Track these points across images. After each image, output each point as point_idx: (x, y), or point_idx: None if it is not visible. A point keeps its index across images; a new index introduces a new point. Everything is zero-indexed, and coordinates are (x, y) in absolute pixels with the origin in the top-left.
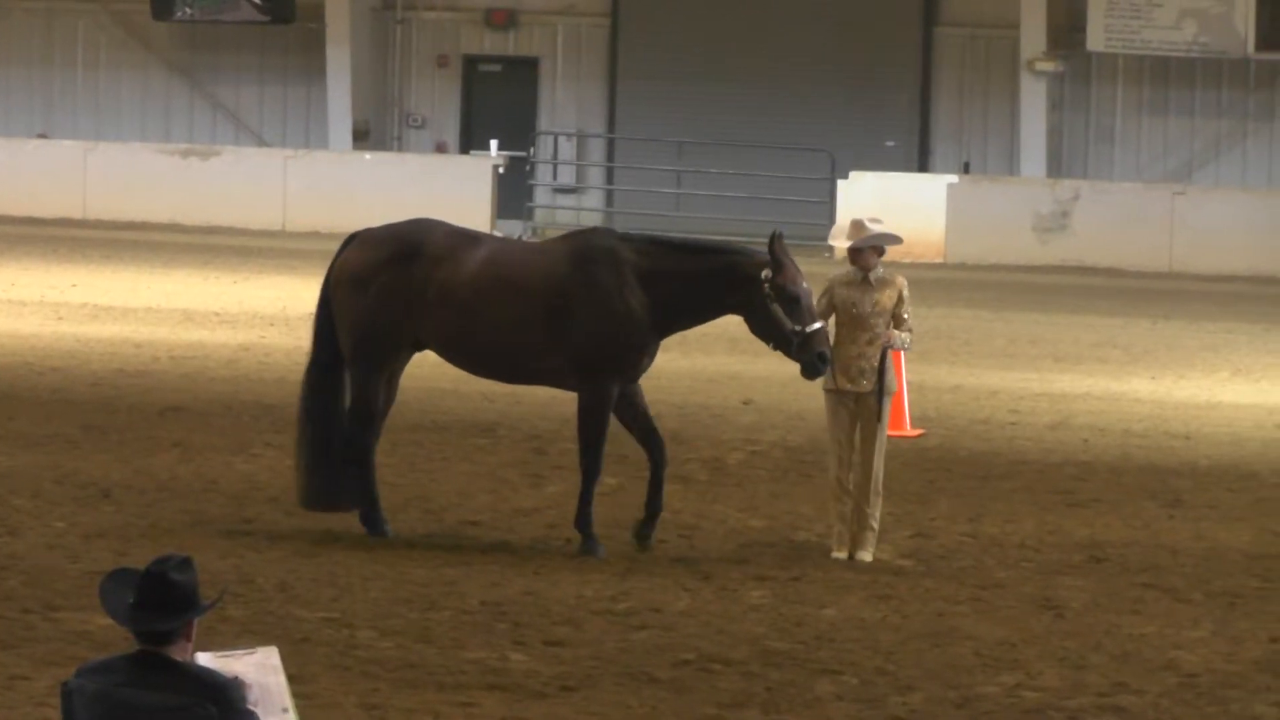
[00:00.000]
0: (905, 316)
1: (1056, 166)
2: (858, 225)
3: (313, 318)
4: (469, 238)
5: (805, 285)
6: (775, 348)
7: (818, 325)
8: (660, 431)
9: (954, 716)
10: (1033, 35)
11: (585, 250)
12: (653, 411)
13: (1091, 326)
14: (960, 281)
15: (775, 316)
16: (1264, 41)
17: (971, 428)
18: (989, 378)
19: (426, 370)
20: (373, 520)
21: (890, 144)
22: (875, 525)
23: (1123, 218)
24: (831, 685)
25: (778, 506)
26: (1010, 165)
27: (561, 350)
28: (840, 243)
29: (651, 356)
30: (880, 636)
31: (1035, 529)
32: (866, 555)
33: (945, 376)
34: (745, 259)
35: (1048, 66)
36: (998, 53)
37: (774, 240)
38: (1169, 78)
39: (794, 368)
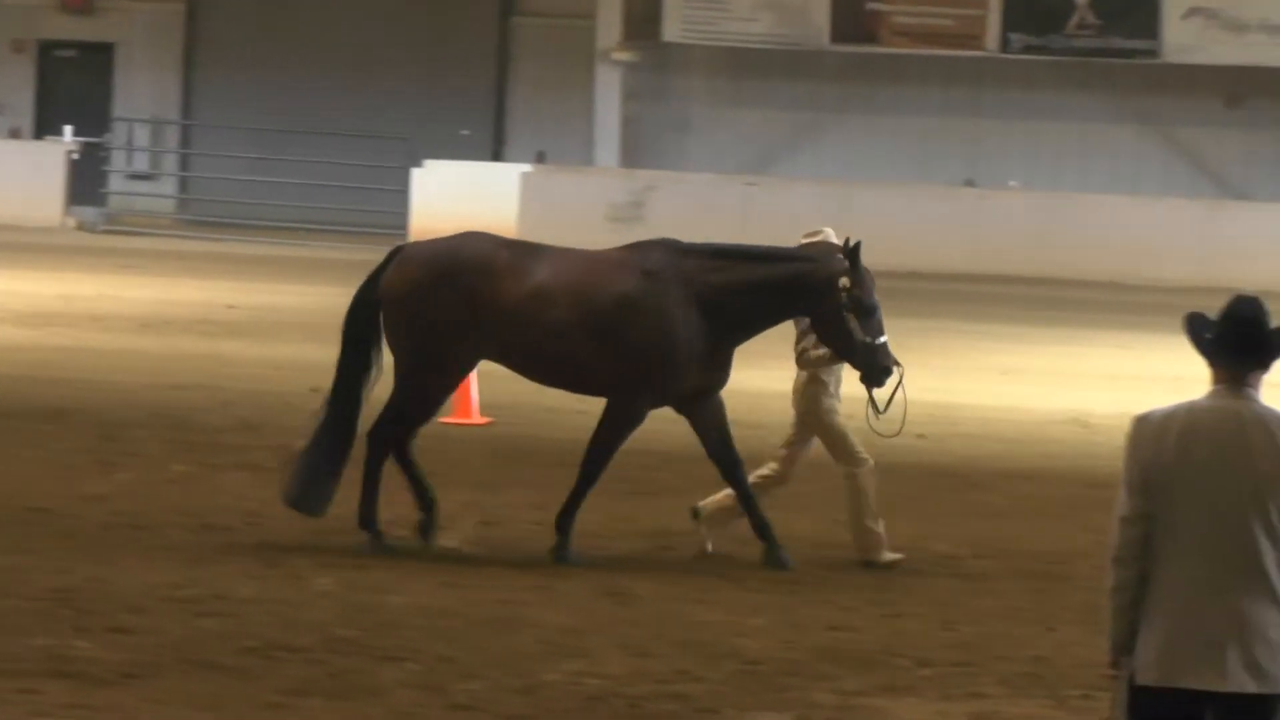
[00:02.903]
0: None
1: (631, 157)
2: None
3: (344, 325)
4: (526, 248)
5: (876, 297)
6: (839, 354)
7: (885, 338)
8: (736, 450)
9: (516, 704)
10: (609, 25)
11: (652, 268)
12: (222, 399)
13: None
14: None
15: (848, 326)
16: (839, 34)
17: (540, 416)
18: None
19: None
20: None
21: (466, 133)
22: None
23: (696, 208)
24: (395, 672)
25: (345, 494)
26: (585, 155)
27: (612, 364)
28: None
29: (713, 374)
30: (445, 624)
31: (604, 518)
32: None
33: None
34: (821, 266)
35: (623, 57)
36: (574, 43)
37: (854, 249)
38: (746, 69)
39: None
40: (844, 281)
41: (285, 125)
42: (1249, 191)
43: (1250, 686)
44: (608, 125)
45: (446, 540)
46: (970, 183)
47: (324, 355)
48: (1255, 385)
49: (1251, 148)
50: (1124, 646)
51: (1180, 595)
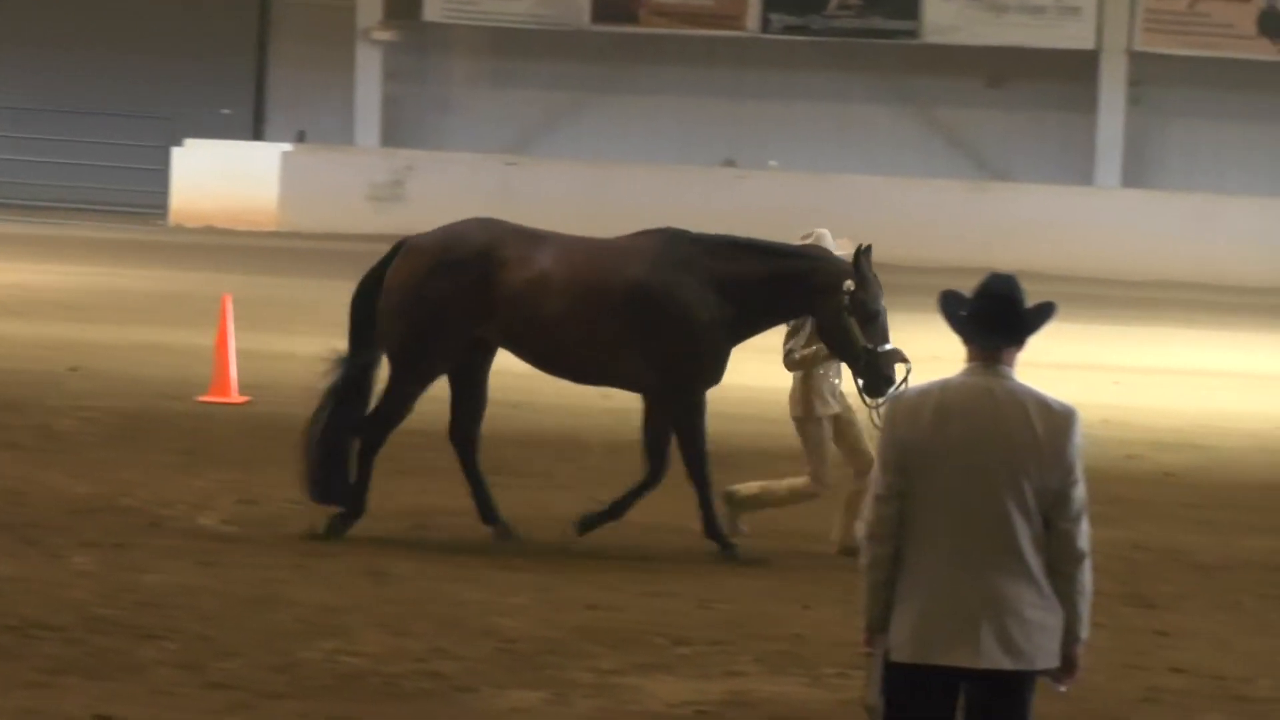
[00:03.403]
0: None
1: (392, 136)
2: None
3: (349, 317)
4: (531, 235)
5: (884, 303)
6: (841, 359)
7: (889, 346)
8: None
9: (274, 682)
10: (369, 4)
11: (664, 255)
12: None
13: None
14: (294, 250)
15: (850, 330)
16: (600, 13)
17: (301, 396)
18: (322, 346)
19: None
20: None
21: (226, 112)
22: None
23: (457, 187)
24: (154, 651)
25: (106, 473)
26: (346, 134)
27: (637, 356)
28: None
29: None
30: (203, 603)
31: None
32: None
33: (276, 344)
34: (827, 264)
35: (384, 36)
36: (335, 21)
37: (860, 253)
38: (507, 48)
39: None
40: (848, 284)
41: (45, 104)
42: (1009, 172)
43: (1005, 664)
44: (368, 104)
45: (207, 519)
46: (730, 163)
47: (84, 334)
48: (1010, 362)
49: (1012, 128)
50: (879, 624)
51: (935, 573)
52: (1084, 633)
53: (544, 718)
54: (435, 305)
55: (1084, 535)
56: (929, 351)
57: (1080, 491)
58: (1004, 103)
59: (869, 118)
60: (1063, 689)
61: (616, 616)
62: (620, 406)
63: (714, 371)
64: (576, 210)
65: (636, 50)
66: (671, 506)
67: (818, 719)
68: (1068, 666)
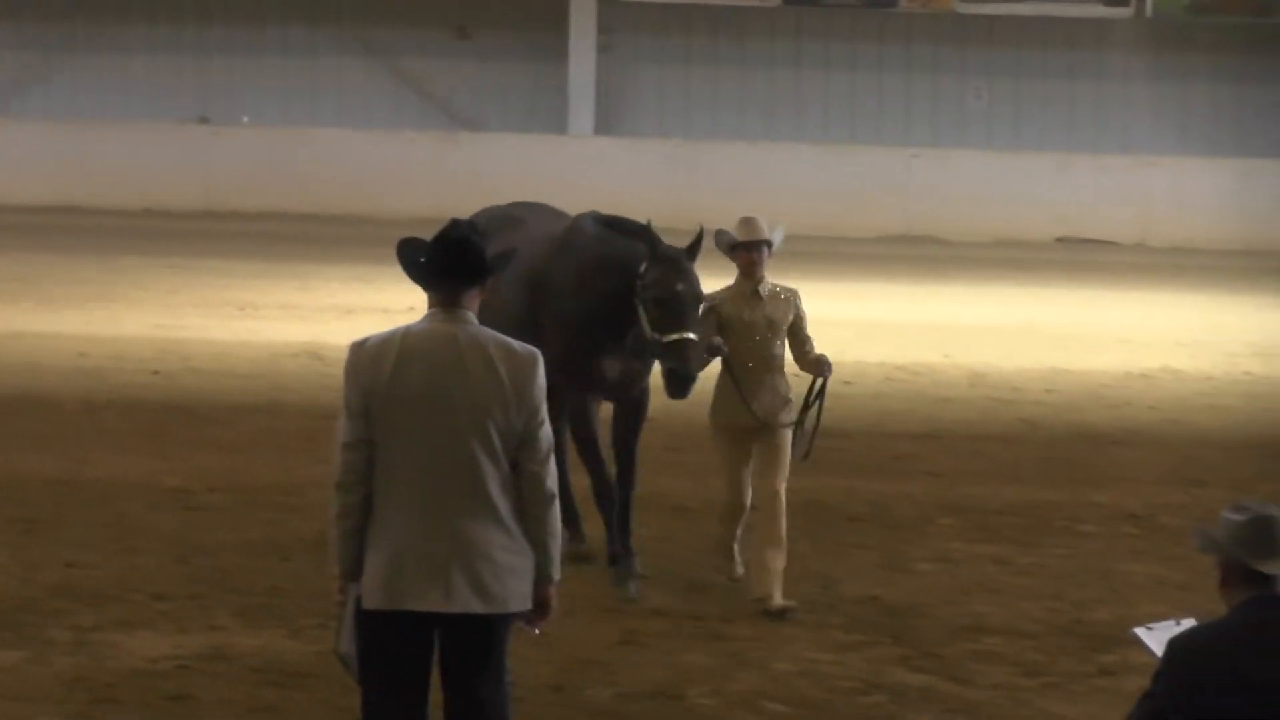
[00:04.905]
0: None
1: None
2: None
3: None
4: (516, 221)
5: (680, 287)
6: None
7: (679, 336)
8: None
9: None
10: None
11: (562, 241)
12: None
13: None
14: None
15: (640, 320)
16: None
17: None
18: None
19: None
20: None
21: None
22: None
23: None
24: None
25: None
26: None
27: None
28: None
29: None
30: None
31: None
32: (783, 600)
33: None
34: (624, 247)
35: None
36: None
37: (647, 229)
38: None
39: None
40: (643, 266)
41: None
42: (481, 122)
43: (476, 607)
44: None
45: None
46: (204, 119)
47: None
48: (472, 307)
49: (483, 79)
50: (351, 572)
51: (404, 519)
52: (556, 574)
53: (24, 677)
54: None
55: (553, 476)
56: (407, 302)
57: (547, 432)
58: (474, 53)
59: (338, 71)
60: (537, 631)
61: (94, 574)
62: (95, 366)
63: (580, 368)
64: (50, 171)
65: (103, 8)
66: (145, 465)
67: (296, 670)
68: (541, 608)
